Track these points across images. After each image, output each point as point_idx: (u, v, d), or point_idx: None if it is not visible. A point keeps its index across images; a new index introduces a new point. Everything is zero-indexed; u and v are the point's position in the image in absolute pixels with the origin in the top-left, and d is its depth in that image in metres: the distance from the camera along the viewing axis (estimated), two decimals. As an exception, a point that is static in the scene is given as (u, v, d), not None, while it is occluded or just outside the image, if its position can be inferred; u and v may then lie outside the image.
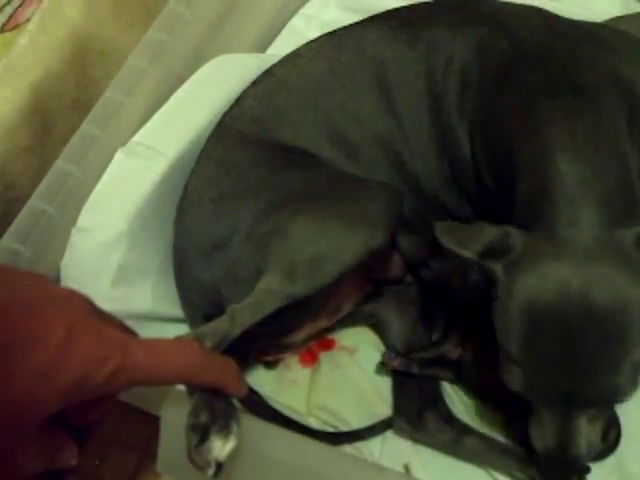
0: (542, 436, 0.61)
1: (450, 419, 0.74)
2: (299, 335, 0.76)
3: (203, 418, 0.53)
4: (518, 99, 0.66)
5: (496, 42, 0.70)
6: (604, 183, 0.58)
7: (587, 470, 0.64)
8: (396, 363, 0.74)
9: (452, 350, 0.75)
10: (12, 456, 0.41)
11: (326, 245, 0.66)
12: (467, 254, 0.58)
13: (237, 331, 0.62)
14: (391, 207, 0.70)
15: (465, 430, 0.74)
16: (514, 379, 0.58)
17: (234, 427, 0.53)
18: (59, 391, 0.40)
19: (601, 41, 0.71)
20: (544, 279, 0.55)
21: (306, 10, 1.03)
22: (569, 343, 0.54)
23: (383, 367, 0.78)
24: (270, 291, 0.65)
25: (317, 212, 0.68)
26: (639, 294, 0.54)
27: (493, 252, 0.57)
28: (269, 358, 0.80)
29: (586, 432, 0.59)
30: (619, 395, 0.57)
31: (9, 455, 0.40)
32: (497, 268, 0.57)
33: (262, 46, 0.99)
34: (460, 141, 0.72)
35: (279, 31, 1.01)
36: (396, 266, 0.80)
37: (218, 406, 0.54)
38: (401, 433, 0.75)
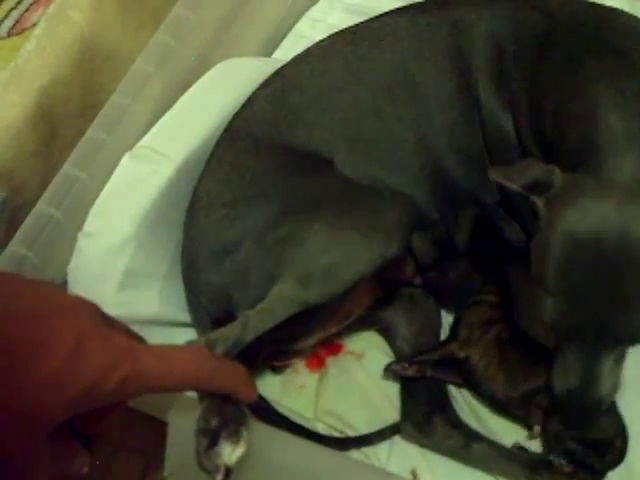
0: (565, 377, 0.60)
1: (458, 424, 0.74)
2: (309, 341, 0.76)
3: (213, 423, 0.53)
4: (561, 62, 0.68)
5: (527, 14, 0.72)
6: None
7: (608, 413, 0.65)
8: (410, 372, 0.74)
9: (458, 350, 0.75)
10: (23, 464, 0.40)
11: (341, 254, 0.66)
12: (513, 187, 0.59)
13: (249, 337, 0.62)
14: (406, 218, 0.70)
15: (473, 436, 0.74)
16: (547, 310, 0.58)
17: (244, 433, 0.53)
18: (69, 399, 0.40)
19: (621, 12, 0.74)
20: (585, 213, 0.56)
21: (312, 14, 1.04)
22: (604, 276, 0.55)
23: (392, 373, 0.77)
24: (284, 298, 0.65)
25: (333, 221, 0.68)
26: None
27: (537, 186, 0.59)
28: (277, 363, 0.79)
29: (610, 373, 0.59)
30: None
31: (20, 463, 0.40)
32: (539, 201, 0.59)
33: (268, 50, 1.00)
34: (497, 114, 0.73)
35: (285, 35, 1.02)
36: (407, 268, 0.80)
37: (228, 411, 0.54)
38: (409, 438, 0.75)
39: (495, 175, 0.61)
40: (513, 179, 0.60)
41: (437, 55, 0.75)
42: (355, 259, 0.66)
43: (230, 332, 0.62)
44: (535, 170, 0.60)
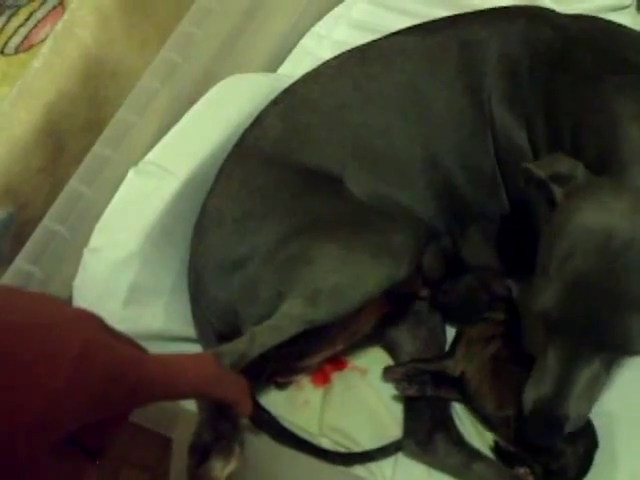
0: (538, 385, 0.60)
1: (460, 442, 0.74)
2: (315, 359, 0.76)
3: (207, 438, 0.53)
4: (578, 78, 0.69)
5: (540, 30, 0.74)
6: None
7: (567, 440, 0.64)
8: (411, 392, 0.74)
9: (453, 367, 0.75)
10: (32, 477, 0.40)
11: (350, 275, 0.67)
12: (539, 173, 0.61)
13: (255, 352, 0.63)
14: (415, 241, 0.71)
15: (474, 455, 0.73)
16: (545, 296, 0.58)
17: (237, 449, 0.53)
18: (77, 409, 0.40)
19: (627, 28, 0.76)
20: (600, 209, 0.57)
21: (317, 29, 1.04)
22: (606, 272, 0.55)
23: (387, 377, 0.77)
24: (292, 315, 0.65)
25: (343, 241, 0.69)
26: None
27: (560, 178, 0.60)
28: (280, 379, 0.79)
29: (586, 387, 0.59)
30: (633, 344, 0.56)
31: (29, 476, 0.40)
32: (559, 192, 0.60)
33: (273, 66, 1.00)
34: (511, 130, 0.74)
35: (290, 51, 1.02)
36: (415, 282, 0.80)
37: (222, 427, 0.54)
38: (411, 455, 0.75)
39: (527, 166, 0.62)
40: (540, 167, 0.61)
41: (448, 73, 0.76)
42: (364, 280, 0.67)
43: (237, 346, 0.63)
44: (561, 163, 0.61)
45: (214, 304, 0.74)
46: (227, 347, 0.63)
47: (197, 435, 0.54)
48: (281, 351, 0.65)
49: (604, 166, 0.62)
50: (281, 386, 0.80)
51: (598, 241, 0.55)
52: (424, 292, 0.80)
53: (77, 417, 0.40)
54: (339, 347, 0.77)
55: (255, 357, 0.63)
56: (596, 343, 0.57)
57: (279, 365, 0.76)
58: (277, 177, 0.75)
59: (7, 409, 0.37)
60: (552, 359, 0.59)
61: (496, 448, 0.73)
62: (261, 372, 0.76)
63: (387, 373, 0.76)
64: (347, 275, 0.67)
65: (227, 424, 0.54)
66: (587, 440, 0.70)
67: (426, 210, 0.77)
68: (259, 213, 0.73)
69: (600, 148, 0.64)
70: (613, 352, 0.59)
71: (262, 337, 0.64)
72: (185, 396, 0.50)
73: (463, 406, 0.77)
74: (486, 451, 0.74)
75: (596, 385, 0.60)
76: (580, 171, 0.60)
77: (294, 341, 0.65)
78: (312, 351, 0.75)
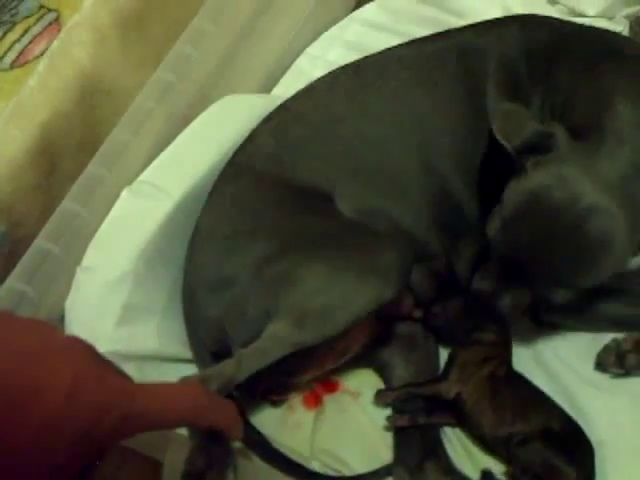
0: (483, 279, 0.70)
1: (450, 471, 0.73)
2: (306, 376, 0.76)
3: (199, 464, 0.53)
4: (575, 65, 0.71)
5: (534, 30, 0.76)
6: None
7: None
8: (403, 422, 0.74)
9: (447, 390, 0.75)
10: None
11: (337, 295, 0.67)
12: (508, 147, 0.65)
13: (242, 376, 0.62)
14: (403, 259, 0.71)
15: None
16: (495, 232, 0.66)
17: (230, 475, 0.53)
18: (67, 440, 0.40)
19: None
20: (561, 184, 0.63)
21: (311, 50, 1.05)
22: (544, 230, 0.63)
23: (379, 400, 0.77)
24: (278, 338, 0.65)
25: (329, 261, 0.69)
26: (622, 237, 0.62)
27: (530, 148, 0.65)
28: (275, 397, 0.79)
29: (512, 297, 0.68)
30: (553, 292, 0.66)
31: None
32: (528, 162, 0.65)
33: (267, 86, 1.00)
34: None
35: (284, 71, 1.02)
36: (405, 302, 0.80)
37: (215, 452, 0.54)
38: None
39: (495, 126, 0.66)
40: (509, 138, 0.66)
41: (445, 79, 0.76)
42: (351, 301, 0.67)
43: (223, 370, 0.63)
44: (531, 131, 0.65)
45: (205, 322, 0.74)
46: (214, 371, 0.63)
47: (190, 462, 0.54)
48: (271, 369, 0.65)
49: (587, 135, 0.65)
50: (276, 404, 0.80)
51: (547, 209, 0.62)
52: (417, 313, 0.80)
53: (67, 450, 0.40)
54: (329, 366, 0.77)
55: (242, 380, 0.63)
56: (521, 275, 0.66)
57: (270, 382, 0.76)
58: (267, 194, 0.75)
59: None
60: (494, 267, 0.68)
61: (484, 477, 0.73)
62: (254, 390, 0.76)
63: (379, 397, 0.76)
64: (334, 296, 0.67)
65: (219, 449, 0.54)
66: (588, 467, 0.70)
67: (419, 223, 0.77)
68: (249, 231, 0.73)
69: (587, 117, 0.67)
70: (531, 287, 0.67)
71: (249, 360, 0.64)
72: (175, 425, 0.50)
73: (454, 430, 0.77)
74: (477, 475, 0.74)
75: (518, 301, 0.69)
76: (556, 139, 0.64)
77: (283, 360, 0.65)
78: (302, 369, 0.75)
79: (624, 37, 0.77)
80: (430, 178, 0.76)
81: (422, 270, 0.78)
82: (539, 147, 0.64)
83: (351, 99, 0.78)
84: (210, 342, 0.75)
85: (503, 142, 0.66)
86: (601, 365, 0.77)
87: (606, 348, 0.77)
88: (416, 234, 0.77)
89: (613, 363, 0.76)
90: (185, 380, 0.62)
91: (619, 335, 0.77)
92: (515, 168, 0.66)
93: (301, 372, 0.75)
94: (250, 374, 0.63)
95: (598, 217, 0.62)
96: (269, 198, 0.75)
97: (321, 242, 0.71)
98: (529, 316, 0.77)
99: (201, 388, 0.52)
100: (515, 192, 0.65)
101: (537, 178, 0.64)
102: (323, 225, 0.73)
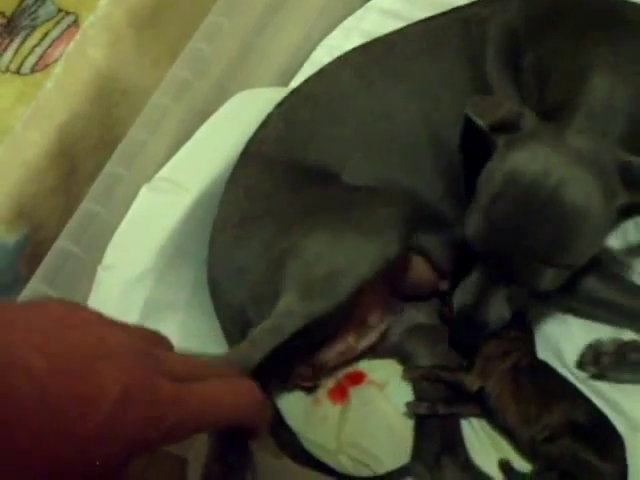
0: (464, 295, 0.67)
1: (467, 467, 0.72)
2: (330, 353, 0.74)
3: (217, 470, 0.52)
4: (565, 34, 0.70)
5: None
6: (634, 106, 0.63)
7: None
8: (422, 409, 0.73)
9: (471, 382, 0.73)
10: None
11: (340, 258, 0.66)
12: (481, 123, 0.64)
13: (258, 356, 0.61)
14: (403, 213, 0.69)
15: None
16: (471, 226, 0.64)
17: (249, 478, 0.52)
18: (113, 454, 0.38)
19: None
20: (533, 160, 0.61)
21: (328, 42, 1.03)
22: (524, 215, 0.61)
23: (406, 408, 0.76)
24: (289, 312, 0.64)
25: (329, 226, 0.68)
26: (597, 204, 0.60)
27: (503, 126, 0.64)
28: (306, 383, 0.78)
29: (500, 300, 0.66)
30: (538, 285, 0.63)
31: None
32: (500, 140, 0.63)
33: (284, 79, 1.00)
34: (508, 96, 0.74)
35: (301, 64, 1.02)
36: (424, 276, 0.79)
37: (232, 457, 0.52)
38: (418, 478, 0.73)
39: (468, 109, 0.65)
40: (482, 116, 0.64)
41: (450, 49, 0.76)
42: (355, 263, 0.65)
43: (238, 351, 0.62)
44: (505, 109, 0.64)
45: (230, 312, 0.74)
46: (228, 355, 0.62)
47: (207, 469, 0.52)
48: (293, 351, 0.64)
49: (560, 111, 0.64)
50: (309, 390, 0.79)
51: (524, 188, 0.61)
52: (443, 285, 0.78)
53: (112, 463, 0.38)
54: (351, 339, 0.75)
55: (261, 360, 0.61)
56: (507, 273, 0.64)
57: (298, 364, 0.75)
58: (276, 177, 0.75)
59: (27, 456, 0.35)
60: (476, 275, 0.66)
61: (502, 467, 0.72)
62: (285, 374, 0.75)
63: (406, 372, 0.76)
64: (337, 260, 0.65)
65: (238, 452, 0.52)
66: (620, 461, 0.68)
67: (433, 194, 0.76)
68: (255, 215, 0.73)
69: (562, 93, 0.66)
70: (521, 286, 0.65)
71: (262, 339, 0.62)
72: (221, 426, 0.48)
73: (480, 420, 0.75)
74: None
75: (509, 303, 0.67)
76: (525, 119, 0.63)
77: (302, 334, 0.64)
78: (324, 344, 0.74)
79: (632, 3, 0.74)
80: (440, 149, 0.75)
81: (438, 239, 0.77)
82: (512, 126, 0.63)
83: (358, 74, 0.78)
84: (237, 331, 0.74)
85: (476, 120, 0.64)
86: (580, 363, 0.75)
87: (589, 346, 0.74)
88: (430, 205, 0.76)
89: (590, 362, 0.73)
90: (229, 379, 0.59)
91: (618, 335, 0.75)
92: (490, 149, 0.65)
93: (324, 348, 0.74)
94: (266, 353, 0.61)
95: (571, 187, 0.60)
96: (277, 180, 0.75)
97: (320, 211, 0.70)
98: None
99: (251, 388, 0.50)
100: (489, 176, 0.63)
101: (509, 158, 0.62)
102: (323, 196, 0.72)
